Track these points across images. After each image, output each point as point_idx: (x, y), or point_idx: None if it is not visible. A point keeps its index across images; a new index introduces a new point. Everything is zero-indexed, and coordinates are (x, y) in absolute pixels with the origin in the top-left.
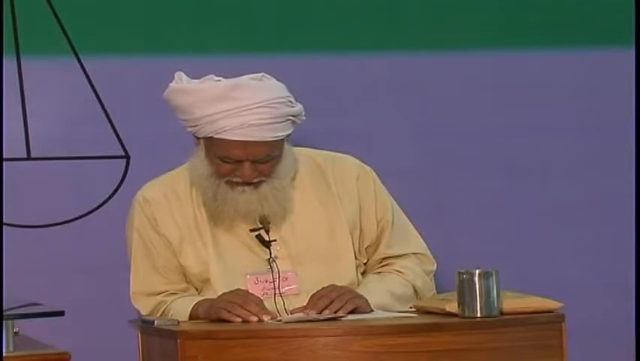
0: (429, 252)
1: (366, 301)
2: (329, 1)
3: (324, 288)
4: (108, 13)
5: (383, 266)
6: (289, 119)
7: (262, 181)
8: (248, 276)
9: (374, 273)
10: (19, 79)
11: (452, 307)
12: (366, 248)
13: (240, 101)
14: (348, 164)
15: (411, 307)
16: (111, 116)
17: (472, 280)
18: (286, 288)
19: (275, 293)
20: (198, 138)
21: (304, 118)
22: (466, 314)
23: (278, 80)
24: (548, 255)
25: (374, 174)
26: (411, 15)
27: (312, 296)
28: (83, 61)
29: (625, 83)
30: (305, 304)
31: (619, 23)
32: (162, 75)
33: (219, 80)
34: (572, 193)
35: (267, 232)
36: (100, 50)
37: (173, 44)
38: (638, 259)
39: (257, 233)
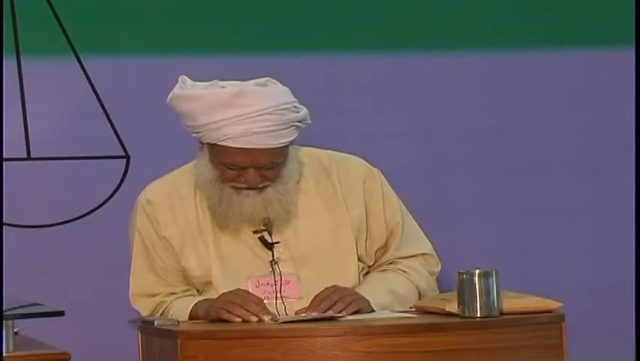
0: (435, 253)
1: (368, 303)
2: (329, 1)
3: (326, 289)
4: (108, 13)
5: (388, 265)
6: (294, 125)
7: (267, 186)
8: (249, 279)
9: (377, 271)
10: (19, 79)
11: (452, 307)
12: (375, 251)
13: (245, 108)
14: (355, 165)
15: (411, 308)
16: (111, 116)
17: (472, 280)
18: (288, 291)
19: (276, 297)
20: (203, 143)
21: (309, 122)
22: (466, 314)
23: (279, 80)
24: (548, 255)
25: (381, 175)
26: (410, 15)
27: (314, 298)
28: (83, 61)
29: (625, 83)
30: (305, 306)
31: (619, 23)
32: (162, 75)
33: (224, 87)
34: (572, 193)
35: (270, 234)
36: (100, 50)
37: (173, 44)
38: (638, 259)
39: (260, 235)
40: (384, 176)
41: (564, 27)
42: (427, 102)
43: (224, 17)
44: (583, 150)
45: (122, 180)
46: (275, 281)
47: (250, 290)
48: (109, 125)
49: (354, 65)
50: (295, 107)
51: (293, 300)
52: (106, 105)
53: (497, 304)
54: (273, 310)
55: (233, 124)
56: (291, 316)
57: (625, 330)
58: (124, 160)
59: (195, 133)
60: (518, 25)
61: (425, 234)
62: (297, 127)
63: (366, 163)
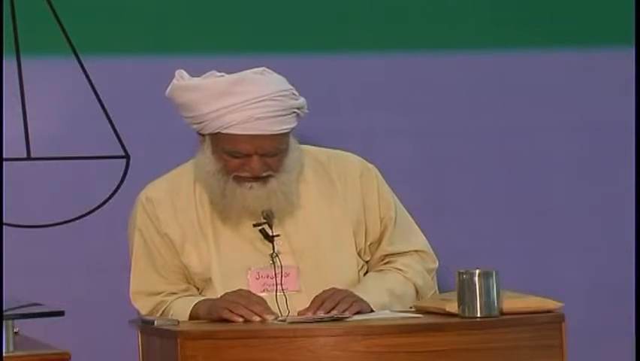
0: (431, 249)
1: (368, 304)
2: (329, 1)
3: (325, 291)
4: (108, 13)
5: (384, 264)
6: (294, 112)
7: (270, 176)
8: (249, 271)
9: (374, 271)
10: (19, 79)
11: (452, 307)
12: (369, 245)
13: (245, 95)
14: (351, 162)
15: (411, 308)
16: (111, 116)
17: (472, 280)
18: (287, 284)
19: (276, 289)
20: (203, 135)
21: (307, 111)
22: (466, 314)
23: None
24: (548, 255)
25: (377, 171)
26: (411, 15)
27: (315, 299)
28: (83, 61)
29: (625, 83)
30: (306, 300)
31: (619, 23)
32: (162, 75)
33: (222, 76)
34: (572, 193)
35: (271, 226)
36: (100, 50)
37: (173, 44)
38: (638, 259)
39: (260, 228)
40: (384, 174)
41: (564, 27)
42: (427, 102)
43: (223, 17)
44: (583, 150)
45: (122, 180)
46: (275, 274)
47: (250, 282)
48: (109, 125)
49: (354, 65)
50: (293, 94)
51: (293, 293)
52: (106, 105)
53: (497, 304)
54: (273, 302)
55: (236, 111)
56: (298, 317)
57: (625, 330)
58: (124, 160)
59: (196, 124)
60: (518, 25)
61: (424, 232)
62: (297, 114)
63: (362, 159)
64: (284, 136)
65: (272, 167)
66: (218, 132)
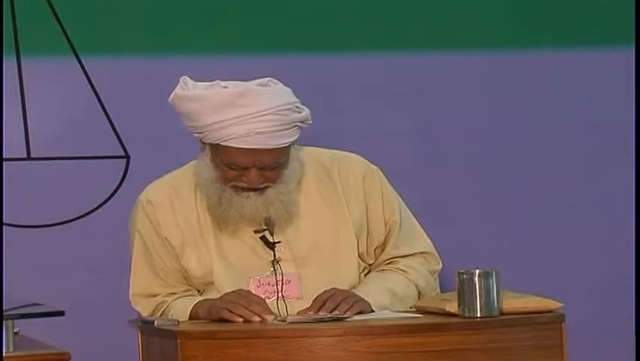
0: (435, 251)
1: (369, 304)
2: (329, 1)
3: (326, 291)
4: (108, 13)
5: (387, 264)
6: (296, 125)
7: (268, 186)
8: (250, 279)
9: (376, 271)
10: (19, 79)
11: (452, 307)
12: (374, 250)
13: (247, 108)
14: (355, 163)
15: (411, 308)
16: (111, 116)
17: (472, 280)
18: (289, 291)
19: (277, 297)
20: (204, 143)
21: (311, 122)
22: (466, 314)
23: (279, 80)
24: (548, 255)
25: (381, 173)
26: (411, 15)
27: (316, 299)
28: (83, 61)
29: (625, 83)
30: (307, 307)
31: (619, 23)
32: (162, 75)
33: (226, 87)
34: (572, 193)
35: (272, 233)
36: (100, 50)
37: (173, 44)
38: (638, 259)
39: (261, 234)
40: (384, 174)
41: (564, 27)
42: (427, 102)
43: (224, 17)
44: (582, 150)
45: (122, 180)
46: (276, 281)
47: (251, 290)
48: (109, 125)
49: (354, 65)
50: (297, 107)
51: (294, 300)
52: (106, 105)
53: (497, 304)
54: (274, 310)
55: (236, 124)
56: (298, 316)
57: (625, 330)
58: (124, 160)
59: (197, 133)
60: (518, 25)
61: (425, 232)
62: (299, 127)
63: (366, 161)
64: (283, 150)
65: (270, 179)
66: (218, 144)
